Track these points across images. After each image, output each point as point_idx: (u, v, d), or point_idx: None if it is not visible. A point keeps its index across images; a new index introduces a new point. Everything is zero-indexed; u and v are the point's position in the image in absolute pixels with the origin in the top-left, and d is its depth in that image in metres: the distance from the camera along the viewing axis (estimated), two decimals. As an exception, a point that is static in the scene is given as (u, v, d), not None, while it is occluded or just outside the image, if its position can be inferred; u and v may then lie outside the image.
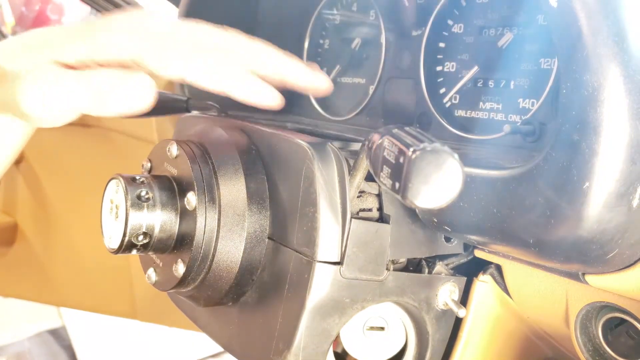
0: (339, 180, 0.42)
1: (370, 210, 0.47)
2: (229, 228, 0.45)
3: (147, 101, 0.46)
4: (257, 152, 0.48)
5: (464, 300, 0.52)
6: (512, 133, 0.45)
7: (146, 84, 0.45)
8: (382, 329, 0.49)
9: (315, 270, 0.42)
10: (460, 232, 0.45)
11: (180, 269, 0.46)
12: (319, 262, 0.42)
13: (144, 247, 0.47)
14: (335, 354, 0.52)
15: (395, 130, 0.36)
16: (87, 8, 1.74)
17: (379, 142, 0.36)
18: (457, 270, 0.51)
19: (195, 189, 0.46)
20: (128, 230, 0.46)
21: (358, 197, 0.46)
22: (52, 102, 0.45)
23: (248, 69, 0.49)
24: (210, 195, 0.46)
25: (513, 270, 0.50)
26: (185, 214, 0.47)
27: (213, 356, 2.08)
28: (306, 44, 0.78)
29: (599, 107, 0.34)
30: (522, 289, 0.50)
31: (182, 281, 0.47)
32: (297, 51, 0.80)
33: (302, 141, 0.43)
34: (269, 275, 0.47)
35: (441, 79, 0.55)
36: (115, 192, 0.48)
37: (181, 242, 0.47)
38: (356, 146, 0.52)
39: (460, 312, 0.49)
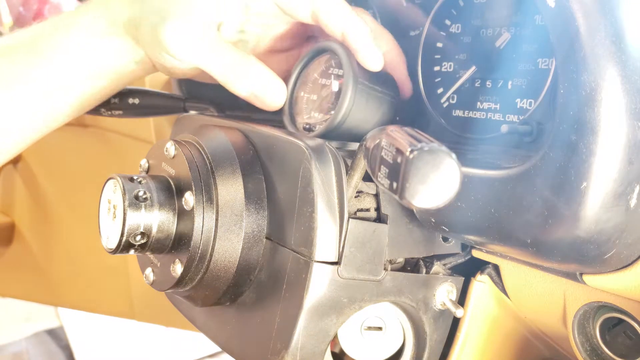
0: (336, 180, 0.42)
1: (367, 210, 0.47)
2: (227, 228, 0.45)
3: (277, 105, 0.54)
4: (255, 152, 0.48)
5: (461, 300, 0.52)
6: (509, 133, 0.45)
7: (280, 91, 0.54)
8: (380, 329, 0.49)
9: (313, 270, 0.42)
10: (458, 232, 0.45)
11: (177, 269, 0.46)
12: (316, 262, 0.42)
13: (142, 247, 0.47)
14: (333, 354, 0.52)
15: (393, 130, 0.36)
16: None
17: (377, 142, 0.36)
18: (455, 270, 0.51)
19: (193, 188, 0.45)
20: (126, 230, 0.46)
21: (356, 197, 0.46)
22: (187, 54, 0.53)
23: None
24: (208, 195, 0.46)
25: (511, 270, 0.50)
26: (183, 214, 0.47)
27: (210, 356, 2.08)
28: (304, 44, 0.78)
29: (597, 107, 0.34)
30: (520, 289, 0.50)
31: (180, 281, 0.47)
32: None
33: (299, 141, 0.43)
34: (266, 275, 0.47)
35: (439, 79, 0.55)
36: (113, 192, 0.48)
37: (179, 242, 0.47)
38: (354, 146, 0.52)
39: (458, 312, 0.49)
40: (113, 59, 0.58)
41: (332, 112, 0.50)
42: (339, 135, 0.50)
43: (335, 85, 0.53)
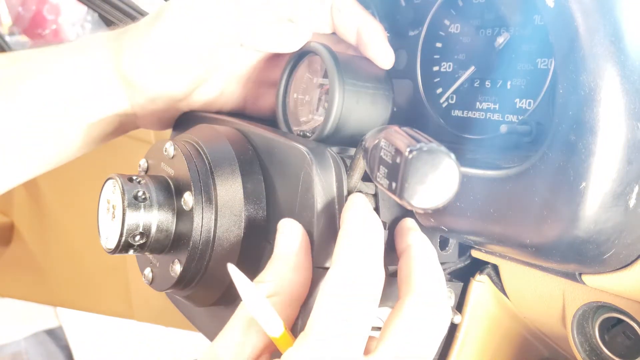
0: (337, 187, 0.42)
1: (367, 210, 0.46)
2: (226, 228, 0.45)
3: (297, 47, 0.53)
4: (255, 153, 0.48)
5: (460, 300, 0.52)
6: (508, 133, 0.45)
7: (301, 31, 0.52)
8: (380, 329, 0.49)
9: (312, 276, 0.41)
10: (457, 233, 0.45)
11: (177, 269, 0.46)
12: (315, 268, 0.41)
13: (141, 247, 0.47)
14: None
15: (392, 130, 0.36)
16: (83, 8, 1.74)
17: (375, 142, 0.36)
18: (454, 274, 0.51)
19: (192, 189, 0.45)
20: (125, 231, 0.46)
21: (355, 197, 0.46)
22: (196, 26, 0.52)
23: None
24: (207, 195, 0.45)
25: (510, 270, 0.50)
26: (182, 214, 0.47)
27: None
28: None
29: (596, 107, 0.34)
30: (519, 288, 0.50)
31: (179, 281, 0.47)
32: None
33: (301, 146, 0.43)
34: None
35: (438, 79, 0.55)
36: (112, 192, 0.48)
37: (178, 242, 0.47)
38: (354, 149, 0.52)
39: (456, 319, 0.49)
40: (94, 105, 0.56)
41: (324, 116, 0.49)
42: (338, 140, 0.50)
43: (323, 88, 0.53)
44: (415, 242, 0.42)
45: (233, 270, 0.37)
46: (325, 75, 0.53)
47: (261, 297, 0.36)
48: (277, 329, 0.36)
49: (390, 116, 0.52)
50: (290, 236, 0.41)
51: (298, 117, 0.55)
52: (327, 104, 0.49)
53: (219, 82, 0.57)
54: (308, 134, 0.52)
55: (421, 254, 0.41)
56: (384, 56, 0.52)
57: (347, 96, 0.48)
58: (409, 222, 0.45)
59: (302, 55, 0.54)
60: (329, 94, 0.49)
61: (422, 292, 0.39)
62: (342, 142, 0.50)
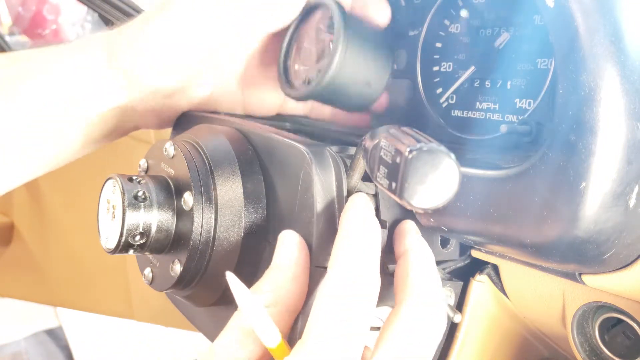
0: (336, 186, 0.42)
1: (367, 210, 0.46)
2: (226, 228, 0.45)
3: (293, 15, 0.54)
4: (254, 153, 0.48)
5: (460, 300, 0.52)
6: (508, 133, 0.45)
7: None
8: (379, 329, 0.49)
9: (311, 276, 0.41)
10: (457, 233, 0.45)
11: (177, 269, 0.46)
12: (315, 267, 0.41)
13: (141, 247, 0.47)
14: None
15: (392, 130, 0.36)
16: (83, 8, 1.74)
17: (376, 142, 0.36)
18: (454, 274, 0.51)
19: (192, 189, 0.45)
20: (125, 231, 0.46)
21: (355, 197, 0.46)
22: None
23: None
24: (207, 195, 0.45)
25: (510, 270, 0.50)
26: (182, 214, 0.47)
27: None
28: (303, 44, 0.78)
29: (596, 107, 0.34)
30: (519, 288, 0.50)
31: (179, 281, 0.47)
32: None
33: (300, 145, 0.43)
34: None
35: (438, 79, 0.55)
36: (112, 192, 0.48)
37: (178, 242, 0.47)
38: (354, 149, 0.52)
39: (456, 318, 0.49)
40: (94, 105, 0.56)
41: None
42: (336, 91, 0.51)
43: (326, 40, 0.54)
44: (413, 245, 0.42)
45: (232, 278, 0.37)
46: (328, 31, 0.54)
47: (259, 307, 0.36)
48: (274, 339, 0.36)
49: (388, 81, 0.55)
50: (289, 247, 0.41)
51: (298, 65, 0.57)
52: (331, 47, 0.51)
53: (218, 81, 0.57)
54: (310, 77, 0.53)
55: (418, 257, 0.41)
56: (382, 12, 0.54)
57: (350, 44, 0.51)
58: (407, 225, 0.45)
59: (308, 11, 0.56)
60: (333, 40, 0.51)
61: (419, 294, 0.39)
62: (338, 100, 0.51)
